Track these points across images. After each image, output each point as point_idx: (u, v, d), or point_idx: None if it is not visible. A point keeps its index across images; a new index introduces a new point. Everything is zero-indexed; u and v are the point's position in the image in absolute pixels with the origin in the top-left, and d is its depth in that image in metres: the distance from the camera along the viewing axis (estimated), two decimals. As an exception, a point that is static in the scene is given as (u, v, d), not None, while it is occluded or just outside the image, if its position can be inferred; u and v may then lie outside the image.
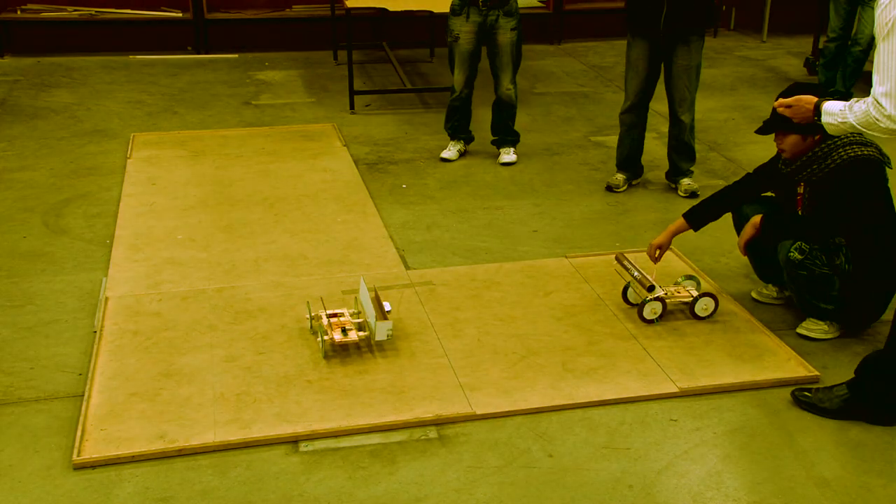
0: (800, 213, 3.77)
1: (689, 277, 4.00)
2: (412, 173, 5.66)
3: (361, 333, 3.59)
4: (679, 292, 3.90)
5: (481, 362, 3.54)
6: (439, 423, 3.19)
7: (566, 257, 4.47)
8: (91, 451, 2.99)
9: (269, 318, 3.84)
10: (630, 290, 3.93)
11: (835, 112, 3.08)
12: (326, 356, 3.55)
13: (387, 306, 3.71)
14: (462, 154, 5.96)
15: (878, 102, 2.86)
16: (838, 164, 3.56)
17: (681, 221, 4.01)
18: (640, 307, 3.82)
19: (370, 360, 3.54)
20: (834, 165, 3.57)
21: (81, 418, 3.14)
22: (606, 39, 9.34)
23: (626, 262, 4.00)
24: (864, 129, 2.97)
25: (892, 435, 3.16)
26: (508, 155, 5.83)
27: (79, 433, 3.06)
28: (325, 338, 3.55)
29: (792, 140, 3.64)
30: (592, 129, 6.58)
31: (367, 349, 3.62)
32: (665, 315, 3.82)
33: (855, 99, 3.02)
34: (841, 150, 3.58)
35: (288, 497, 2.84)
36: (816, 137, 3.61)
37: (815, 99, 3.20)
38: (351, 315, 3.71)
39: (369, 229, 4.79)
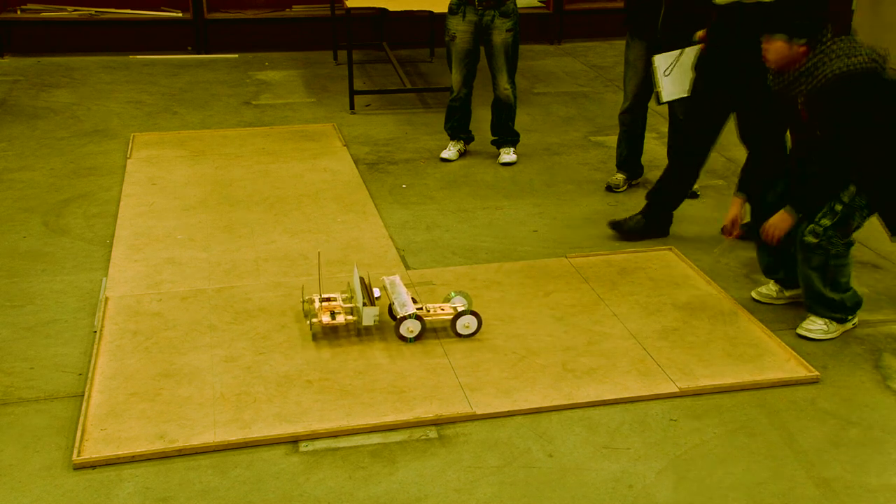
0: (804, 123, 3.63)
1: (460, 294, 3.85)
2: (412, 173, 5.66)
3: (350, 318, 3.68)
4: (443, 309, 3.74)
5: (481, 362, 3.54)
6: (439, 423, 3.19)
7: (566, 257, 4.47)
8: (91, 451, 2.99)
9: (269, 318, 3.84)
10: (395, 306, 3.74)
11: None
12: (315, 338, 3.65)
13: (376, 293, 3.79)
14: (462, 154, 5.96)
15: None
16: (829, 79, 3.41)
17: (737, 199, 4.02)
18: (396, 324, 3.66)
19: (370, 361, 3.54)
20: (824, 80, 3.43)
21: (81, 418, 3.14)
22: (606, 39, 9.33)
23: (390, 280, 3.90)
24: None
25: (892, 434, 3.17)
26: (508, 155, 5.83)
27: (79, 433, 3.07)
28: (315, 320, 3.64)
29: (776, 46, 3.54)
30: (592, 129, 6.58)
31: (366, 346, 3.62)
32: (424, 334, 3.66)
33: None
34: (828, 64, 3.44)
35: (288, 497, 2.84)
36: (802, 48, 3.50)
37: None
38: (343, 300, 3.77)
39: (369, 229, 4.79)
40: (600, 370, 3.50)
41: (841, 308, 3.74)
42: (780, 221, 3.71)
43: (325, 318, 3.64)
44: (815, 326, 3.76)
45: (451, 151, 5.91)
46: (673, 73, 4.72)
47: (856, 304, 3.78)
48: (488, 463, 3.00)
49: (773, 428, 3.19)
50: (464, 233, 4.80)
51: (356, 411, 3.22)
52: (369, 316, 3.64)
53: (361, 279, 3.77)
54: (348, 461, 3.00)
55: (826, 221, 3.61)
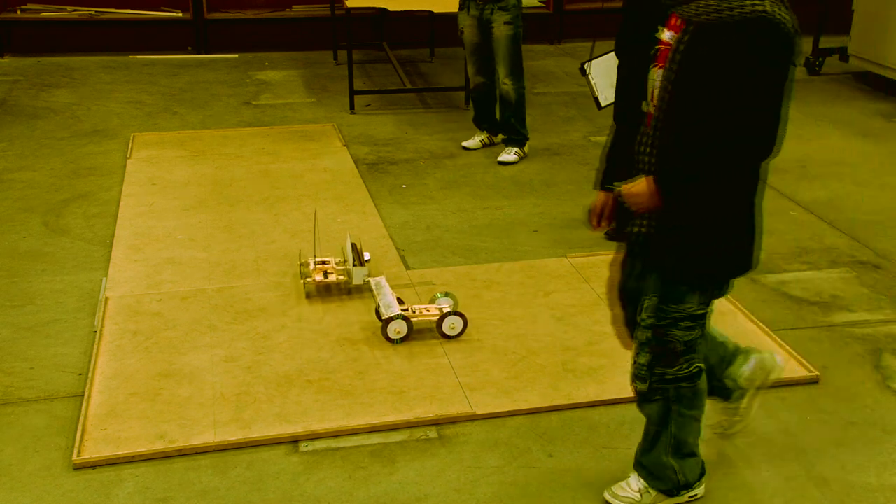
0: (653, 73, 2.53)
1: (446, 295, 3.85)
2: (412, 173, 5.67)
3: (341, 278, 4.01)
4: (428, 310, 3.73)
5: (481, 362, 3.54)
6: (439, 423, 3.19)
7: (566, 257, 4.47)
8: (91, 451, 2.99)
9: (269, 318, 3.85)
10: (380, 308, 3.73)
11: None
12: (309, 296, 3.98)
13: (367, 256, 4.11)
14: (486, 145, 6.09)
15: None
16: (745, 16, 2.25)
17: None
18: (383, 326, 3.64)
19: (370, 361, 3.54)
20: (739, 16, 2.26)
21: (81, 418, 3.14)
22: (606, 39, 9.33)
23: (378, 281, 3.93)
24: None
25: (892, 434, 3.17)
26: (508, 154, 5.83)
27: (79, 433, 3.07)
28: (308, 280, 3.98)
29: None
30: (592, 129, 6.58)
31: (366, 346, 3.62)
32: (411, 335, 3.65)
33: None
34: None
35: (288, 497, 2.84)
36: None
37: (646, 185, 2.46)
38: (336, 263, 4.11)
39: (369, 229, 4.79)
40: (600, 370, 3.50)
41: (675, 481, 2.76)
42: (639, 189, 2.50)
43: (319, 278, 3.96)
44: (625, 493, 2.78)
45: (472, 141, 6.10)
46: (607, 79, 4.78)
47: (700, 475, 2.81)
48: (488, 463, 3.00)
49: (773, 428, 3.19)
50: (464, 233, 4.80)
51: (356, 411, 3.22)
52: (359, 275, 3.98)
53: (354, 245, 4.08)
54: (348, 461, 3.00)
55: (643, 359, 2.63)
